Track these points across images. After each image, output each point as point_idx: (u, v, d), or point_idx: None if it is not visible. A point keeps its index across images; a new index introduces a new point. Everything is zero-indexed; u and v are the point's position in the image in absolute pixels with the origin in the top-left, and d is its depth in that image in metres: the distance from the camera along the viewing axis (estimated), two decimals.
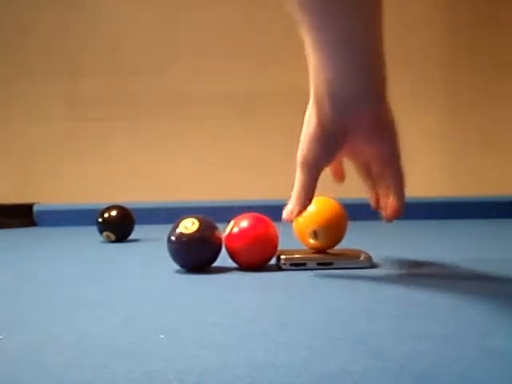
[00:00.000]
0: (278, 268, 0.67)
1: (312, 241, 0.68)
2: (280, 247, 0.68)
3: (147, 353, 0.35)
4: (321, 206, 0.68)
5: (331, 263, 0.66)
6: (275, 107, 2.13)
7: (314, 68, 0.55)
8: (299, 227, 0.69)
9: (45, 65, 2.15)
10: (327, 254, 0.69)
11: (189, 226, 0.64)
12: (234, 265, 0.67)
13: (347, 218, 0.69)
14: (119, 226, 1.04)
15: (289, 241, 0.71)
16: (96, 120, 2.16)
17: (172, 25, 2.15)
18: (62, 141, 2.16)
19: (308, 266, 0.66)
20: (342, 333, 0.39)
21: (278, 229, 0.67)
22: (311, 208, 0.63)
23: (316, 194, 0.58)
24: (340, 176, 0.65)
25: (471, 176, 2.05)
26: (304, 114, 0.58)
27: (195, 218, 0.66)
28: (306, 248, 0.71)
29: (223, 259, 0.66)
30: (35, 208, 1.52)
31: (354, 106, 0.54)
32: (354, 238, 1.08)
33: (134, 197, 1.79)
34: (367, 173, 0.61)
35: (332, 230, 0.68)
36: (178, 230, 0.64)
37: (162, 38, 2.15)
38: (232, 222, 0.67)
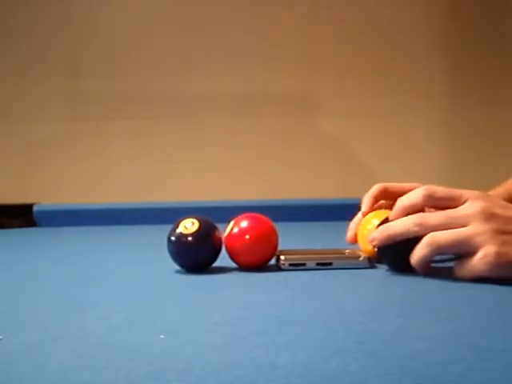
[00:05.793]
0: (277, 268, 0.67)
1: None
2: (280, 247, 0.68)
3: (147, 353, 0.35)
4: None
5: (331, 263, 0.66)
6: (276, 108, 2.13)
7: None
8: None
9: (45, 65, 2.15)
10: (327, 254, 0.69)
11: (189, 226, 0.64)
12: (234, 265, 0.67)
13: None
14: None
15: (289, 241, 0.71)
16: (96, 120, 2.16)
17: (172, 25, 2.15)
18: (62, 141, 2.16)
19: (307, 266, 0.66)
20: (342, 333, 0.39)
21: (278, 229, 0.67)
22: None
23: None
24: None
25: (472, 176, 2.04)
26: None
27: (195, 218, 0.65)
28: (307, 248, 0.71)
29: (223, 259, 0.66)
30: (35, 208, 1.52)
31: None
32: None
33: (134, 197, 1.79)
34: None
35: None
36: (178, 230, 0.64)
37: (162, 38, 2.15)
38: (232, 222, 0.67)
